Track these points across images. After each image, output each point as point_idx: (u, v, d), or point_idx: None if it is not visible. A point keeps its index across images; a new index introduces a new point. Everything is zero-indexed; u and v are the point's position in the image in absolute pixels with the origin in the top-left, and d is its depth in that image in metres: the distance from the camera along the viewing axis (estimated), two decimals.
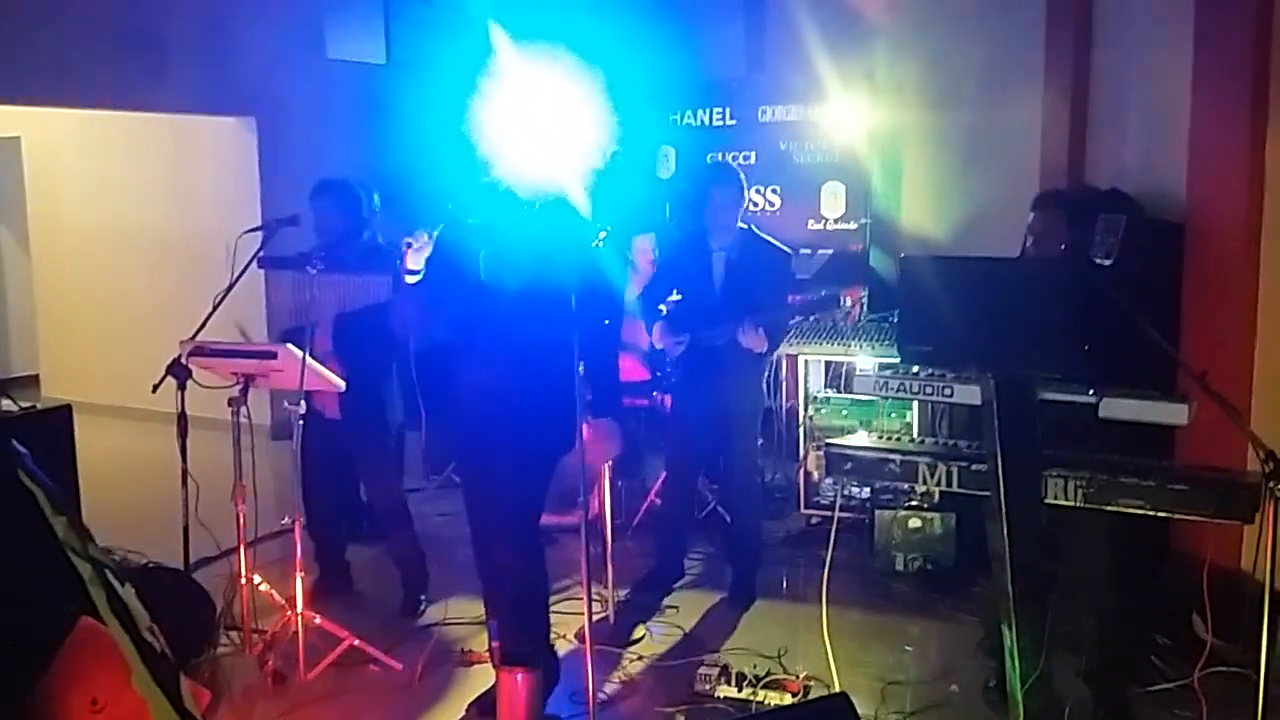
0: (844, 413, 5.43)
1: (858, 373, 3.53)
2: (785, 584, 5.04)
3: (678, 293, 4.59)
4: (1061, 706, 3.23)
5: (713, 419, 4.68)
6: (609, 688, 3.95)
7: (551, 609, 3.91)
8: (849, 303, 6.57)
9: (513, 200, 3.58)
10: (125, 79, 6.83)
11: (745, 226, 4.69)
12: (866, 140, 6.49)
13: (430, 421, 4.84)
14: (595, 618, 3.85)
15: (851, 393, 5.33)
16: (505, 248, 3.57)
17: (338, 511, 4.93)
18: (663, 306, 4.61)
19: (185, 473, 4.09)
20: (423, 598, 4.66)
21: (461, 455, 3.98)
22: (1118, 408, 2.91)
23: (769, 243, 4.70)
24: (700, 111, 6.93)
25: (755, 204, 6.88)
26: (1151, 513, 2.93)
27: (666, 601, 4.78)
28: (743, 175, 4.72)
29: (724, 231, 4.61)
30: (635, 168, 5.13)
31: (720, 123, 6.92)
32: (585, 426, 3.36)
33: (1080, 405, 2.92)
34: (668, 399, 5.15)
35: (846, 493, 5.24)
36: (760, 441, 6.26)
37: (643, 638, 4.42)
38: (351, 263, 4.30)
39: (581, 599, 3.32)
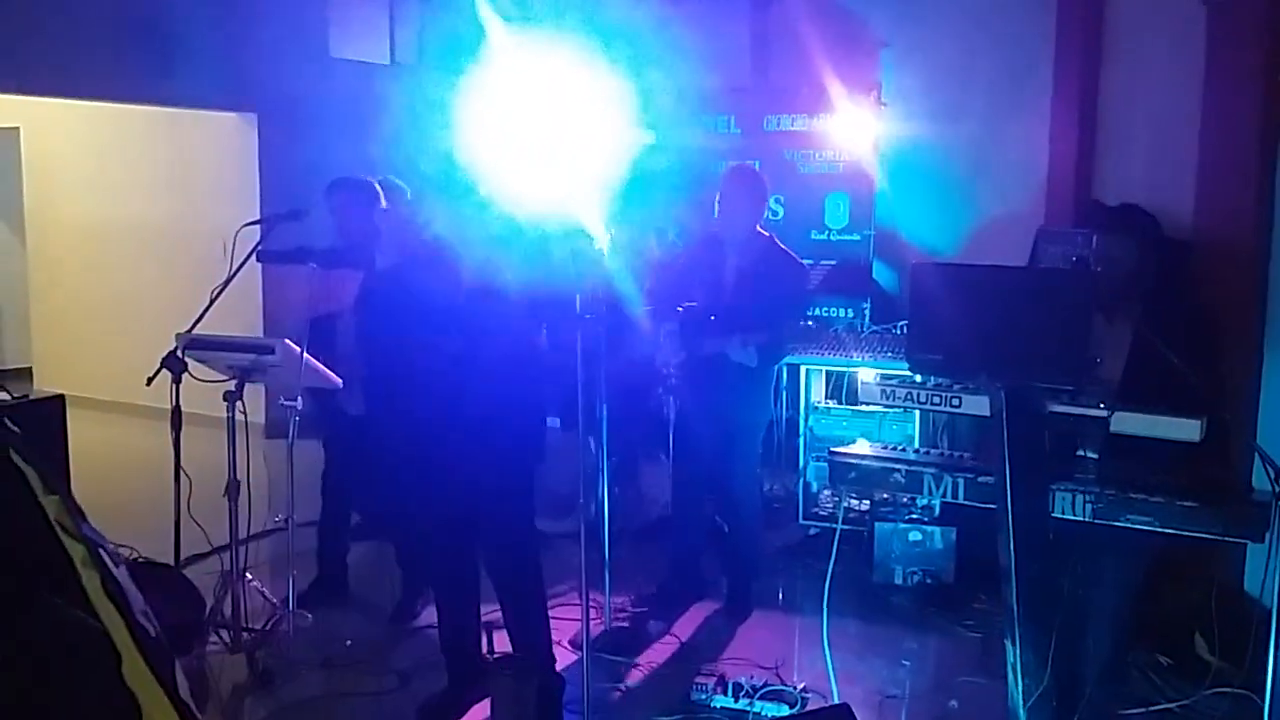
0: (844, 423, 5.38)
1: (863, 382, 3.49)
2: (782, 595, 4.99)
3: (688, 301, 4.48)
4: None
5: (717, 429, 4.54)
6: (605, 696, 3.89)
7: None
8: (851, 314, 6.54)
9: (508, 224, 3.49)
10: (127, 71, 6.78)
11: (767, 235, 4.59)
12: (872, 152, 6.47)
13: None
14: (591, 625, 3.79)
15: (857, 403, 5.30)
16: (491, 252, 3.46)
17: (349, 513, 4.85)
18: (680, 308, 4.47)
19: (178, 468, 4.02)
20: (419, 600, 4.60)
21: (425, 463, 3.69)
22: (1129, 422, 2.88)
23: (786, 254, 4.57)
24: (704, 118, 6.90)
25: None
26: (1160, 530, 2.90)
27: None
28: (765, 179, 4.64)
29: (732, 228, 4.50)
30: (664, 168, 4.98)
31: (725, 130, 6.89)
32: None
33: (1092, 419, 2.89)
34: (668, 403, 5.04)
35: (846, 504, 5.19)
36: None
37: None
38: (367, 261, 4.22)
39: (575, 605, 3.26)
